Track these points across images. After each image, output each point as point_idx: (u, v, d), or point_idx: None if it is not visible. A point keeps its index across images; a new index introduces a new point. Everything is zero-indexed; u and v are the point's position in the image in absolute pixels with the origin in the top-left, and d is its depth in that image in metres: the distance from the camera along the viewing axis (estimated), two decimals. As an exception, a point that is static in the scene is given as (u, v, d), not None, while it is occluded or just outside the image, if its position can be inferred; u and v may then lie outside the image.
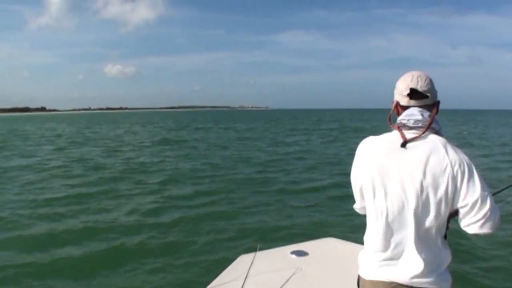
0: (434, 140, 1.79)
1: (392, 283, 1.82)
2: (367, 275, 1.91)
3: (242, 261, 3.35)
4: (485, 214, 1.72)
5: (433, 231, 1.78)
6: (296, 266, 3.23)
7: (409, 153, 1.78)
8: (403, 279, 1.79)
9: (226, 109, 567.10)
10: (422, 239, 1.78)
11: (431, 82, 1.89)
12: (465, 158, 1.75)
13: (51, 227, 8.09)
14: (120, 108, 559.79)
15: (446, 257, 1.84)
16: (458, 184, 1.73)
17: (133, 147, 25.72)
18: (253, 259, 3.29)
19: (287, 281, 2.99)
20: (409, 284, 1.79)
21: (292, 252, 3.55)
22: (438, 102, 1.92)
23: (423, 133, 1.79)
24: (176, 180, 13.32)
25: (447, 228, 1.86)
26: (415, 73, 1.89)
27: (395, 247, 1.81)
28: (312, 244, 3.84)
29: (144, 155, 20.71)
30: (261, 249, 3.50)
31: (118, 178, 13.86)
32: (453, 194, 1.74)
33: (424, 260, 1.77)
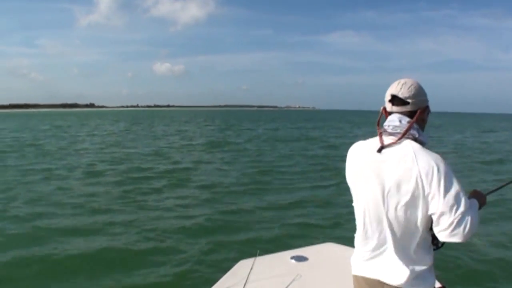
0: (407, 146, 1.81)
1: (370, 279, 1.93)
2: (353, 270, 2.04)
3: (242, 267, 3.34)
4: (451, 223, 1.69)
5: (409, 234, 1.82)
6: (296, 272, 3.21)
7: (383, 158, 1.84)
8: (381, 276, 1.88)
9: (273, 108, 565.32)
10: (398, 240, 1.84)
11: (416, 89, 1.88)
12: (438, 165, 1.72)
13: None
14: (168, 106, 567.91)
15: (425, 260, 1.85)
16: (426, 191, 1.73)
17: (178, 146, 25.10)
18: (253, 264, 3.24)
19: (287, 286, 2.97)
20: (386, 282, 1.87)
21: (292, 257, 3.54)
22: (424, 109, 1.92)
23: (399, 139, 1.83)
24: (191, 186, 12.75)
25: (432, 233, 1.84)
26: (402, 80, 1.92)
27: (374, 245, 1.90)
28: (312, 249, 3.84)
29: (183, 158, 19.84)
30: (260, 254, 3.47)
31: (134, 181, 13.25)
32: (423, 200, 1.74)
33: (400, 259, 1.84)
